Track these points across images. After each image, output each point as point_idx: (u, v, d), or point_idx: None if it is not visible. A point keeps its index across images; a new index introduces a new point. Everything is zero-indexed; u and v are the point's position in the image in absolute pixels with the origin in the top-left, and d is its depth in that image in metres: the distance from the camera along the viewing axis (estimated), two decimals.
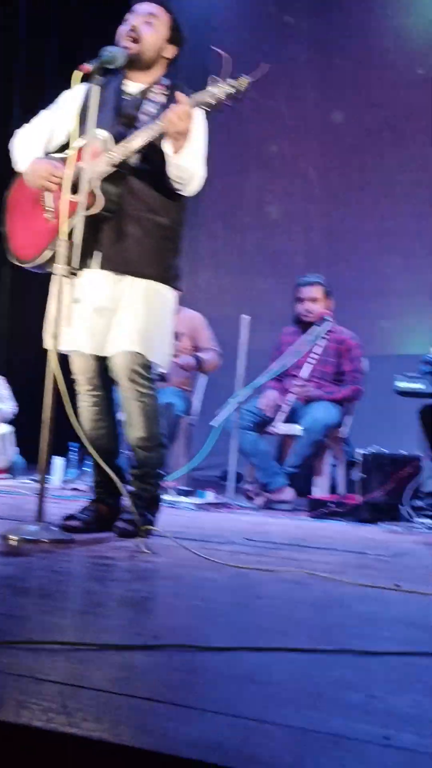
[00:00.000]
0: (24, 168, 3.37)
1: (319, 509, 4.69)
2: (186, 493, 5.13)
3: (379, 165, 7.62)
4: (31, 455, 6.38)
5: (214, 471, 7.37)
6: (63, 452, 6.00)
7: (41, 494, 3.10)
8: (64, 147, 3.41)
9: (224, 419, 5.26)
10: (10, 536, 2.98)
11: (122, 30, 3.41)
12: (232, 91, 3.01)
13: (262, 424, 5.42)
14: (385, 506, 4.73)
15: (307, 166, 7.91)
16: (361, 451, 4.74)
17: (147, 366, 3.35)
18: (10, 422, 6.33)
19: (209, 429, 5.48)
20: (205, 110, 3.12)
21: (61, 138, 3.46)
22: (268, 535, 3.71)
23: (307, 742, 1.19)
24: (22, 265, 3.40)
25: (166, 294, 3.39)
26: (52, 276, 3.19)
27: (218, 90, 3.01)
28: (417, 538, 4.12)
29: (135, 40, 3.36)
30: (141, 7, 3.44)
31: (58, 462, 5.83)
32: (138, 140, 3.17)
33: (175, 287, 3.42)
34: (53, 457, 5.86)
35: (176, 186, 3.28)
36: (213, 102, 3.04)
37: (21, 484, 5.59)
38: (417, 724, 1.31)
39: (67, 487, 5.56)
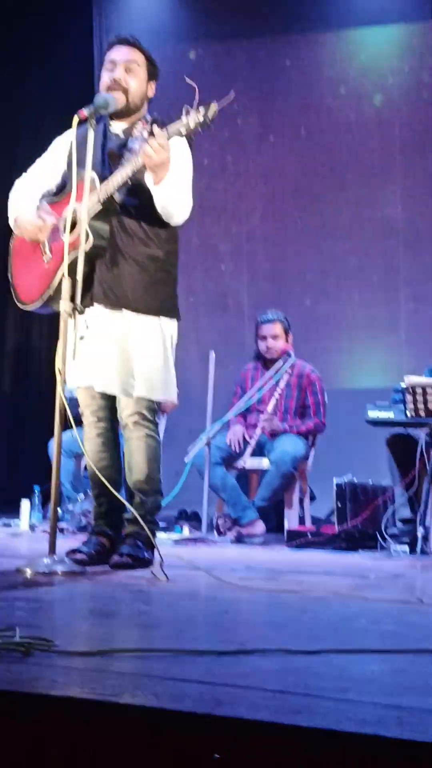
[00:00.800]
0: (14, 222, 3.48)
1: (297, 539, 4.77)
2: (163, 529, 5.16)
3: (318, 206, 7.81)
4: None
5: (170, 510, 7.40)
6: (27, 494, 5.99)
7: (53, 529, 3.15)
8: (61, 188, 3.52)
9: (195, 454, 5.32)
10: (27, 569, 3.01)
11: (105, 80, 3.50)
12: (202, 119, 3.12)
13: (229, 459, 5.49)
14: (361, 534, 4.82)
15: (249, 207, 8.07)
16: (337, 481, 4.85)
17: (152, 409, 3.44)
18: None
19: (173, 465, 5.53)
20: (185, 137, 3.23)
21: (55, 181, 3.56)
22: (263, 563, 3.78)
23: None
24: (25, 308, 3.50)
25: (167, 326, 3.47)
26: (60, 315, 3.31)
27: (190, 119, 3.13)
28: (400, 563, 4.22)
29: (122, 92, 3.46)
30: (119, 55, 3.52)
31: (24, 505, 5.80)
32: (119, 176, 3.27)
33: (174, 317, 3.50)
34: (21, 499, 5.86)
35: (163, 216, 3.38)
36: (185, 131, 3.16)
37: None
38: None
39: (38, 529, 5.53)
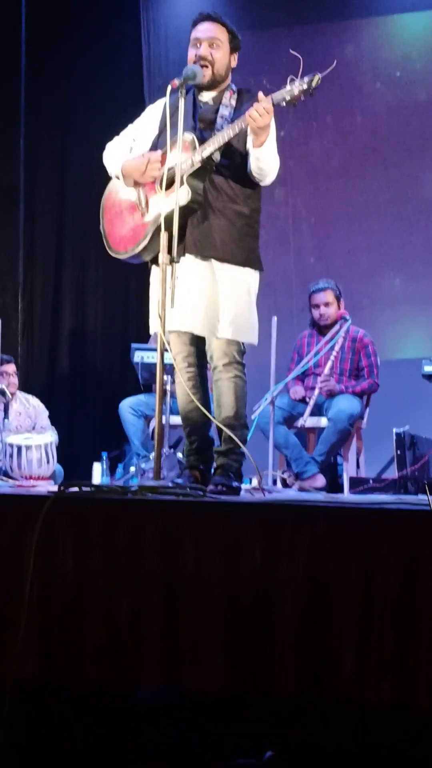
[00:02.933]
0: (118, 171, 3.83)
1: (359, 486, 5.13)
2: None
3: (363, 185, 8.16)
4: (67, 464, 6.76)
5: None
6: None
7: (158, 456, 3.50)
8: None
9: (260, 412, 5.68)
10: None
11: (191, 56, 3.85)
12: (306, 86, 3.47)
13: (290, 419, 5.86)
14: (419, 480, 5.18)
15: (294, 190, 8.41)
16: (396, 431, 5.20)
17: (241, 352, 3.80)
18: None
19: None
20: (282, 106, 3.56)
21: (144, 146, 3.92)
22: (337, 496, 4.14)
23: None
24: (119, 257, 3.87)
25: (250, 276, 3.83)
26: (152, 269, 3.71)
27: (295, 87, 3.48)
28: None
29: (207, 66, 3.81)
30: (203, 32, 3.84)
31: (96, 467, 6.20)
32: (222, 137, 3.62)
33: (257, 269, 3.87)
34: (93, 463, 6.26)
35: (256, 177, 3.74)
36: (289, 98, 3.50)
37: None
38: None
39: None
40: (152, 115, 3.94)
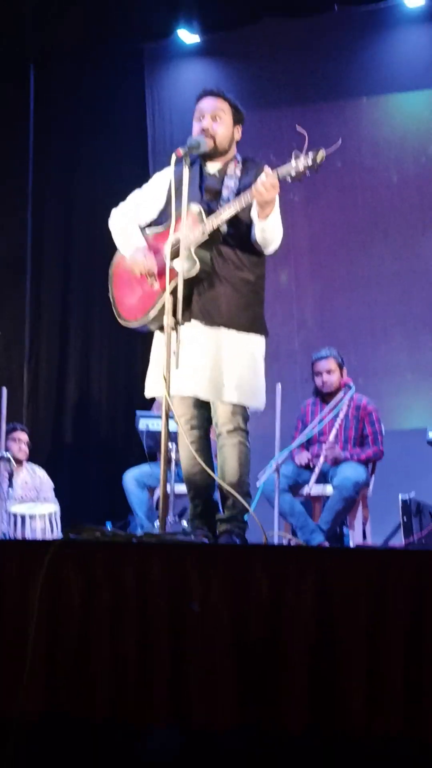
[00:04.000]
0: (125, 254, 3.91)
1: None
2: None
3: (365, 257, 8.26)
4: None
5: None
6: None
7: (164, 510, 3.49)
8: (158, 220, 3.97)
9: (265, 480, 5.67)
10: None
11: (196, 129, 3.95)
12: (311, 163, 3.54)
13: (295, 486, 5.85)
14: (426, 547, 5.16)
15: (297, 263, 8.52)
16: (402, 497, 5.19)
17: (246, 418, 3.83)
18: None
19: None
20: (288, 181, 3.63)
21: (151, 214, 4.00)
22: None
23: None
24: (128, 326, 3.93)
25: (256, 341, 3.88)
26: (155, 333, 3.77)
27: (300, 163, 3.55)
28: None
29: (210, 138, 3.91)
30: (207, 105, 3.96)
31: None
32: (229, 210, 3.70)
33: (262, 334, 3.91)
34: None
35: (260, 246, 3.81)
36: (294, 174, 3.57)
37: None
38: None
39: None
40: (159, 182, 4.02)
